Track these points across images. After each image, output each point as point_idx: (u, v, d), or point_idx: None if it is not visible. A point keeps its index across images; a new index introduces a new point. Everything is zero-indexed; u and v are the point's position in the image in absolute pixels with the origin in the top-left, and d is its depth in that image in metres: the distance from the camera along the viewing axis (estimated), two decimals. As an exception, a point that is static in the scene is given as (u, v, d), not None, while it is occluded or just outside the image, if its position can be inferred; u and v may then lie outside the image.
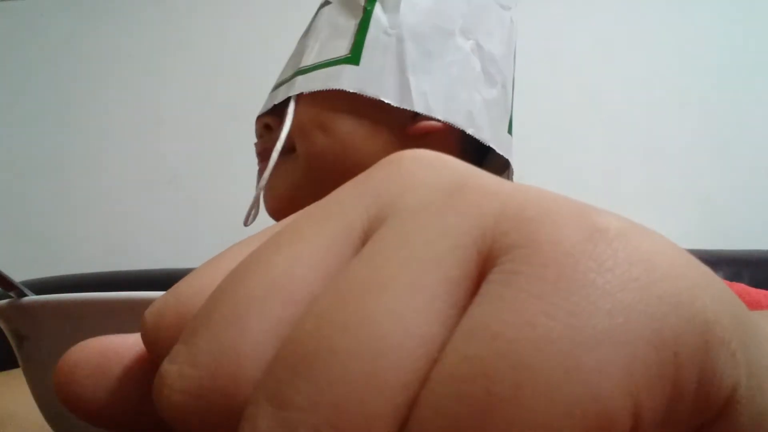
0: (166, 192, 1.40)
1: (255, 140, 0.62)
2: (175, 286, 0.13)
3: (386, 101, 0.53)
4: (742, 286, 0.54)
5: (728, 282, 0.54)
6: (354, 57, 0.54)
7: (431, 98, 0.54)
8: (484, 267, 0.11)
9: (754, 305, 0.51)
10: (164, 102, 1.43)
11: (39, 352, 0.26)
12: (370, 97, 0.54)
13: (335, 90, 0.54)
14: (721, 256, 0.94)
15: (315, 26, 0.59)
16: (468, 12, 0.57)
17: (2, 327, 0.27)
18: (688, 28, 1.31)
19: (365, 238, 0.12)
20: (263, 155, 0.60)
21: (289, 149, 0.57)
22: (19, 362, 0.28)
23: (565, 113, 1.30)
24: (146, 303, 0.23)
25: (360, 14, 0.56)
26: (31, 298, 0.25)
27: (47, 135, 1.47)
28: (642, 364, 0.10)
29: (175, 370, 0.11)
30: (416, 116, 0.55)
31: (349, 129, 0.56)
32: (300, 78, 0.56)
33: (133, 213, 1.41)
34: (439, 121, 0.55)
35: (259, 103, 0.62)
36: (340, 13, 0.57)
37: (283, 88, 0.57)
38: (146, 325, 0.13)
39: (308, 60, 0.56)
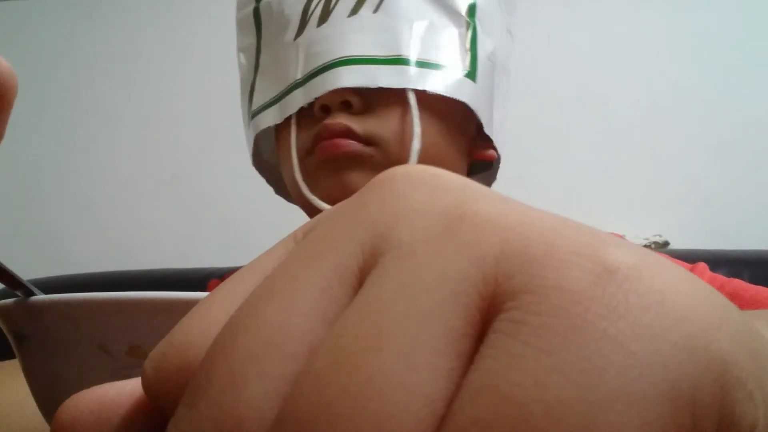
0: (166, 192, 1.40)
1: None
2: (172, 333, 0.13)
3: (484, 125, 0.54)
4: (739, 283, 0.53)
5: (726, 278, 0.54)
6: (472, 74, 0.53)
7: (497, 129, 0.57)
8: (488, 312, 0.11)
9: (752, 302, 0.50)
10: (164, 102, 1.44)
11: (40, 351, 0.26)
12: (456, 116, 0.54)
13: (449, 99, 0.51)
14: (721, 256, 0.94)
15: (389, 4, 0.53)
16: (509, 45, 0.60)
17: (2, 326, 0.27)
18: (688, 28, 1.31)
19: (361, 276, 0.12)
20: (338, 133, 0.50)
21: (366, 143, 0.51)
22: (19, 362, 0.28)
23: (565, 113, 1.30)
24: (148, 303, 0.23)
25: (463, 24, 0.54)
26: (40, 297, 0.25)
27: (47, 135, 1.47)
28: (659, 419, 0.10)
29: None
30: (475, 140, 0.58)
31: (440, 142, 0.53)
32: (413, 70, 0.50)
33: (133, 213, 1.41)
34: (496, 150, 0.58)
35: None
36: (431, 6, 0.54)
37: (386, 70, 0.50)
38: (147, 377, 0.12)
39: (410, 51, 0.51)
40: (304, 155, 0.53)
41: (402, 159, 0.51)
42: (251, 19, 0.59)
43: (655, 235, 1.22)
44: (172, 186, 1.40)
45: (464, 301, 0.11)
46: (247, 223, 1.33)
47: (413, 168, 0.13)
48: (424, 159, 0.50)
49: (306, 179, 0.52)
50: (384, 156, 0.51)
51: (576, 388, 0.10)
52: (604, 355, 0.10)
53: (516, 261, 0.11)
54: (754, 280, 0.55)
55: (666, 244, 1.21)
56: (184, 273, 1.07)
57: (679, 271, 0.11)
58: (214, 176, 1.39)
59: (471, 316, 0.11)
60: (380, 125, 0.51)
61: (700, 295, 0.11)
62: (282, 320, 0.11)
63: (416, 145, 0.50)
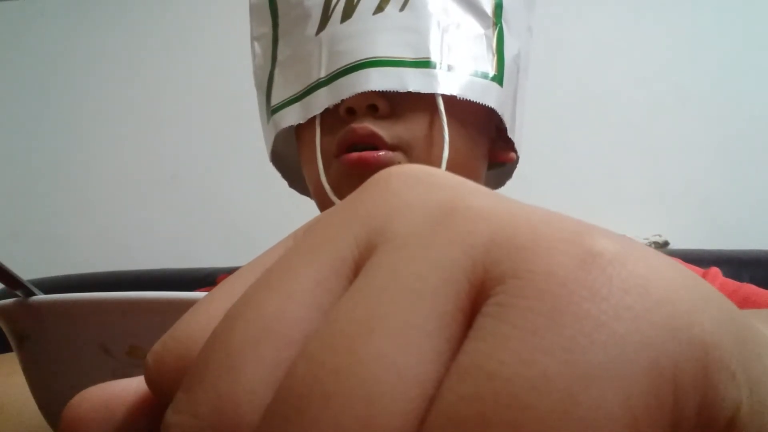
0: (166, 192, 1.40)
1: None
2: (174, 327, 0.13)
3: (509, 130, 0.54)
4: (751, 287, 0.53)
5: (738, 283, 0.53)
6: (499, 77, 0.52)
7: (518, 131, 0.56)
8: (477, 298, 0.11)
9: (765, 307, 0.50)
10: (164, 102, 1.44)
11: (40, 351, 0.26)
12: (479, 120, 0.53)
13: (474, 104, 0.50)
14: (721, 256, 0.94)
15: (415, 2, 0.52)
16: (530, 43, 0.60)
17: (3, 326, 0.27)
18: (688, 28, 1.31)
19: (356, 269, 0.12)
20: (365, 138, 0.50)
21: (392, 150, 0.51)
22: (19, 361, 0.28)
23: (565, 113, 1.30)
24: (148, 303, 0.23)
25: (490, 25, 0.54)
26: (40, 297, 0.25)
27: (47, 135, 1.47)
28: (640, 396, 0.10)
29: (177, 420, 0.11)
30: (495, 141, 0.57)
31: (464, 146, 0.53)
32: (441, 73, 0.50)
33: (133, 213, 1.41)
34: (516, 153, 0.58)
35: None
36: (458, 5, 0.53)
37: (415, 74, 0.49)
38: (149, 369, 0.13)
39: (438, 53, 0.50)
40: (329, 158, 0.52)
41: (429, 165, 0.50)
42: (266, 7, 0.58)
43: (655, 235, 1.22)
44: (172, 186, 1.40)
45: (454, 287, 0.11)
46: (247, 223, 1.33)
47: (409, 167, 0.14)
48: (449, 165, 0.50)
49: (330, 182, 0.52)
50: (409, 162, 0.51)
51: (559, 365, 0.10)
52: (586, 334, 0.10)
53: (504, 248, 0.11)
54: (754, 281, 0.55)
55: (666, 244, 1.21)
56: (184, 273, 1.07)
57: (663, 258, 0.12)
58: (214, 176, 1.39)
59: (461, 302, 0.11)
60: (408, 131, 0.51)
61: (683, 281, 0.11)
62: (278, 309, 0.12)
63: (446, 153, 0.50)
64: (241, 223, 1.34)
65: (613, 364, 0.10)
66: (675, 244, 1.21)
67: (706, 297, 0.11)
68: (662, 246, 1.20)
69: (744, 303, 0.51)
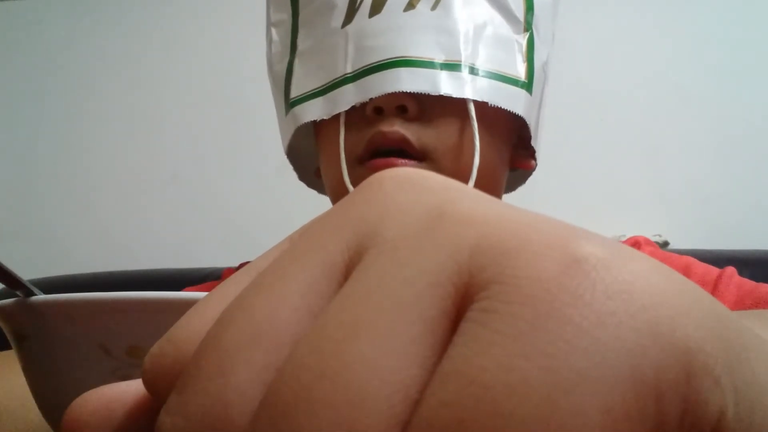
0: (166, 192, 1.40)
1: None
2: (170, 330, 0.13)
3: (533, 138, 0.54)
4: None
5: (755, 283, 0.53)
6: (528, 84, 0.51)
7: (540, 138, 0.56)
8: (462, 303, 0.11)
9: None
10: (164, 102, 1.44)
11: (40, 351, 0.26)
12: (505, 127, 0.53)
13: (502, 110, 0.49)
14: (721, 256, 0.94)
15: (447, 1, 0.50)
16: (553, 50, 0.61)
17: (3, 326, 0.27)
18: (688, 27, 1.31)
19: (347, 272, 0.12)
20: (394, 142, 0.49)
21: (420, 158, 0.50)
22: (19, 361, 0.28)
23: (565, 113, 1.30)
24: (148, 303, 0.23)
25: (521, 30, 0.53)
26: (40, 297, 0.25)
27: (47, 135, 1.47)
28: (621, 403, 0.10)
29: (169, 422, 0.12)
30: (516, 148, 0.57)
31: (490, 153, 0.51)
32: (473, 78, 0.49)
33: (133, 213, 1.41)
34: (535, 160, 0.58)
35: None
36: (492, 8, 0.52)
37: (447, 77, 0.48)
38: (146, 372, 0.13)
39: (471, 57, 0.49)
40: (352, 157, 0.51)
41: (456, 173, 0.49)
42: None
43: (655, 235, 1.21)
44: (172, 186, 1.40)
45: (440, 292, 0.11)
46: (247, 223, 1.33)
47: (402, 170, 0.14)
48: (478, 172, 0.49)
49: (354, 184, 0.51)
50: (437, 170, 0.49)
51: (540, 371, 0.10)
52: (567, 341, 0.10)
53: (489, 254, 0.11)
54: (754, 281, 0.55)
55: (666, 244, 1.21)
56: (184, 273, 1.07)
57: (649, 262, 0.12)
58: (214, 176, 1.39)
59: (446, 307, 0.11)
60: (436, 137, 0.50)
61: (669, 285, 0.11)
62: (269, 313, 0.12)
63: (477, 161, 0.49)
64: (241, 223, 1.34)
65: (594, 371, 0.10)
66: (675, 244, 1.20)
67: (692, 300, 0.11)
68: (662, 246, 1.20)
69: (761, 303, 0.50)
